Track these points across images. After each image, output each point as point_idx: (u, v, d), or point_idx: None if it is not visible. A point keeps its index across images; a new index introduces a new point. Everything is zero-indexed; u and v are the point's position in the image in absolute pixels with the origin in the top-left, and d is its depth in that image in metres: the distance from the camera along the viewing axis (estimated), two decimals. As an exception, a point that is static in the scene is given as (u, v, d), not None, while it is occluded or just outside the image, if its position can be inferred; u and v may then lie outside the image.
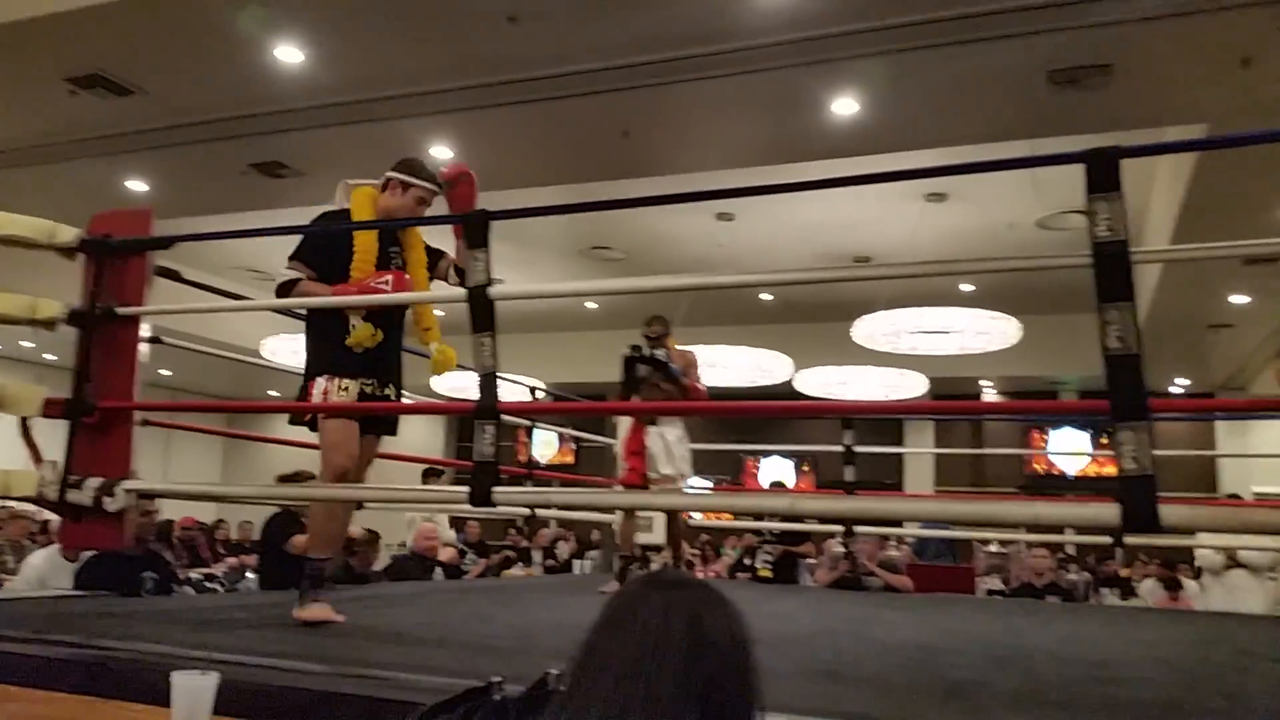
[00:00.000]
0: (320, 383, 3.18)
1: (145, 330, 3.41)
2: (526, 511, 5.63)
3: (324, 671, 2.16)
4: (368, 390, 3.25)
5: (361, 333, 3.15)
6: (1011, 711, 2.09)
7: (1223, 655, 3.37)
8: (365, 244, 3.24)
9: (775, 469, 14.57)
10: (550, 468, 15.93)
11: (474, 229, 2.65)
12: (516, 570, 8.93)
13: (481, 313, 2.56)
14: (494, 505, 2.54)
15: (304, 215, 8.29)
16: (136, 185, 8.29)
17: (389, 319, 3.29)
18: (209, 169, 7.80)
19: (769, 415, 14.86)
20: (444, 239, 3.45)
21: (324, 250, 3.27)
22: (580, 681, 1.12)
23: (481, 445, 2.55)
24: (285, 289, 3.25)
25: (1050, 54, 5.32)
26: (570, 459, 16.29)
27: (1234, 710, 2.21)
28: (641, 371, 5.09)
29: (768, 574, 6.95)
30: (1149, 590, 7.92)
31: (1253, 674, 2.91)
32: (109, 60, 6.26)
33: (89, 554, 4.77)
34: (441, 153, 7.06)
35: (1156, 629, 4.39)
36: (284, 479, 5.10)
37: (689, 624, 1.11)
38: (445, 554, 7.32)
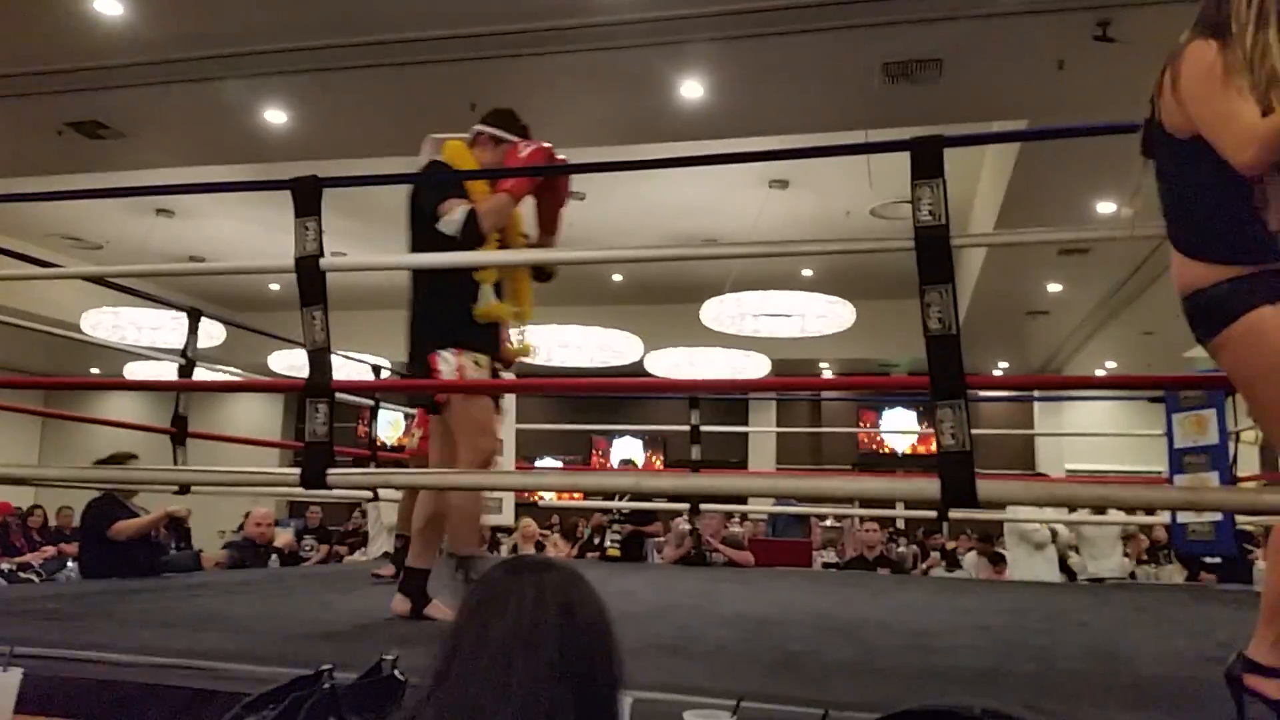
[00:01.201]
0: (449, 357, 2.87)
1: (-60, 300, 3.14)
2: (368, 494, 5.46)
3: (145, 663, 2.05)
4: (495, 369, 3.02)
5: (498, 307, 2.94)
6: (841, 679, 2.18)
7: (1034, 622, 3.61)
8: (483, 191, 2.98)
9: (626, 449, 14.71)
10: (398, 449, 15.56)
11: (303, 196, 2.54)
12: (359, 555, 8.69)
13: (311, 284, 2.46)
14: (328, 487, 2.46)
15: (126, 179, 7.78)
16: (-64, 144, 7.59)
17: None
18: (20, 127, 7.21)
19: (616, 393, 14.98)
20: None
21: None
22: (451, 669, 1.10)
23: (314, 425, 2.46)
24: (472, 224, 2.88)
25: (885, 47, 5.53)
26: (418, 440, 15.95)
27: (1043, 673, 2.37)
28: None
29: (616, 553, 7.01)
30: (972, 563, 8.42)
31: (1059, 638, 3.13)
32: (-99, 4, 5.69)
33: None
34: (276, 116, 6.74)
35: (978, 599, 4.66)
36: (102, 463, 4.79)
37: (561, 607, 1.11)
38: (282, 539, 7.07)
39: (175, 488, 4.39)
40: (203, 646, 2.26)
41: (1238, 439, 5.88)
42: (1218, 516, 5.12)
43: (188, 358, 4.62)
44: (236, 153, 7.46)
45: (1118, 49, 5.16)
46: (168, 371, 6.85)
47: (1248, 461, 7.20)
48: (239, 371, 6.96)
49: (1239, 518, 5.45)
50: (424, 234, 2.95)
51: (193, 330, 4.69)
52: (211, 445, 5.90)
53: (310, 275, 2.50)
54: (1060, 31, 5.22)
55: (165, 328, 8.76)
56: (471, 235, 2.88)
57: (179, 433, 4.53)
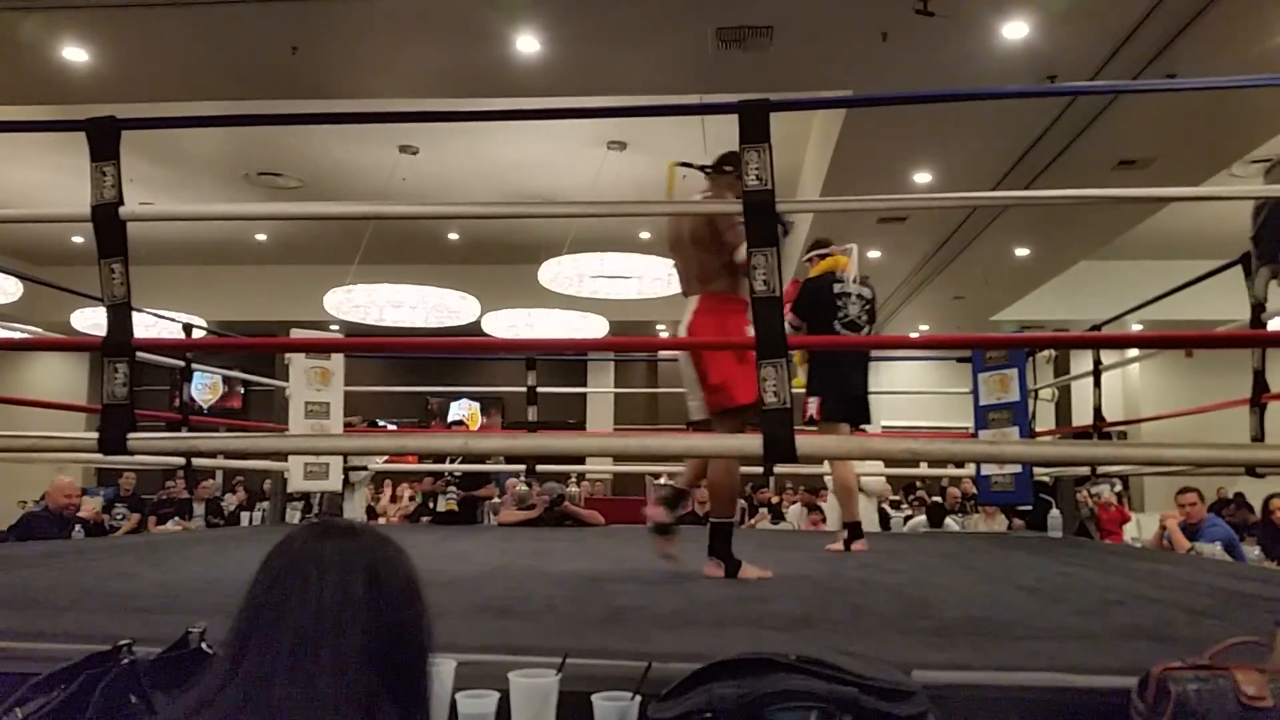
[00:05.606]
0: None
1: None
2: (179, 460, 5.17)
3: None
4: None
5: None
6: (665, 631, 2.21)
7: (850, 570, 3.79)
8: None
9: (463, 412, 14.51)
10: (217, 413, 14.85)
11: (99, 139, 2.34)
12: (171, 525, 8.26)
13: (109, 235, 2.27)
14: (129, 453, 2.29)
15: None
16: None
17: None
18: None
19: (452, 354, 14.73)
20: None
21: None
22: (248, 648, 1.00)
23: (113, 386, 2.28)
24: None
25: (718, 12, 5.57)
26: (238, 404, 15.40)
27: (858, 619, 2.48)
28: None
29: (452, 508, 6.95)
30: (796, 515, 8.79)
31: (873, 585, 3.29)
32: None
33: None
34: (75, 55, 6.19)
35: (798, 549, 4.86)
36: None
37: (367, 580, 1.04)
38: (87, 508, 6.63)
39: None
40: (-13, 625, 2.08)
41: (1036, 396, 6.35)
42: (1018, 468, 5.53)
43: (-29, 314, 4.24)
44: (33, 93, 6.82)
45: (937, 23, 5.39)
46: (-49, 330, 6.26)
47: (1045, 418, 7.80)
48: (38, 330, 6.43)
49: (1036, 469, 5.89)
50: None
51: (-24, 285, 4.30)
52: (9, 411, 5.48)
53: (108, 225, 2.31)
54: (884, 3, 5.40)
55: (-51, 282, 8.02)
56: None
57: (-39, 396, 4.16)
